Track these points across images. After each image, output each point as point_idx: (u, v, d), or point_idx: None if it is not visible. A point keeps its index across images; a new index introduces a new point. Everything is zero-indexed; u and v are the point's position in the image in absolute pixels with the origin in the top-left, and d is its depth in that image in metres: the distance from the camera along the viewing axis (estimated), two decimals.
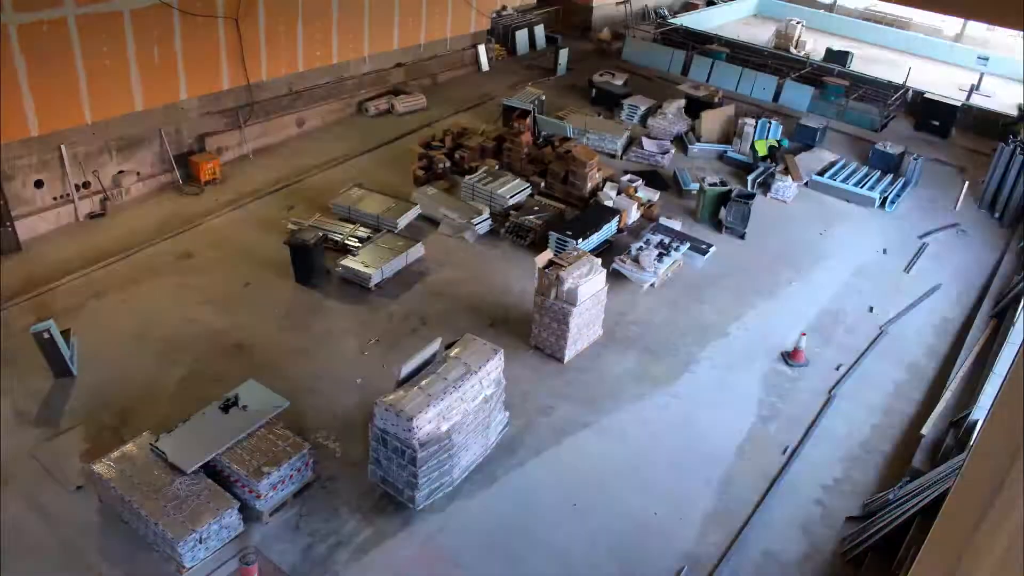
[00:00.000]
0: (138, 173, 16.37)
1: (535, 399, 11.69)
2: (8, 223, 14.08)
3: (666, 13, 31.68)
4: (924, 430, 11.08)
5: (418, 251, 14.51)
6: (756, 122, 20.83)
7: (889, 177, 19.85)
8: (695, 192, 17.30)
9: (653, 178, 18.35)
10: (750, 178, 18.36)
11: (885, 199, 18.76)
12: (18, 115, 14.25)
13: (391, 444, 9.32)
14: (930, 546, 4.81)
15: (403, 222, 15.16)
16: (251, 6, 17.53)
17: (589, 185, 16.43)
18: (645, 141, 19.93)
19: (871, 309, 14.47)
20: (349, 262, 13.77)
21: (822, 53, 30.50)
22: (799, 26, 30.38)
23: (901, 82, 24.94)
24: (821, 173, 19.70)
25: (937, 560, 4.50)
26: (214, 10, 16.87)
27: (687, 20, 31.54)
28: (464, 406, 9.61)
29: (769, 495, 10.36)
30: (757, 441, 11.29)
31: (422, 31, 22.77)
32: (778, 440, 11.33)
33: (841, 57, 28.34)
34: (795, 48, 29.82)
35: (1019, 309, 13.21)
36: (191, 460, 9.11)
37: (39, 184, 14.95)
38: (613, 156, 19.57)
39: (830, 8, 35.90)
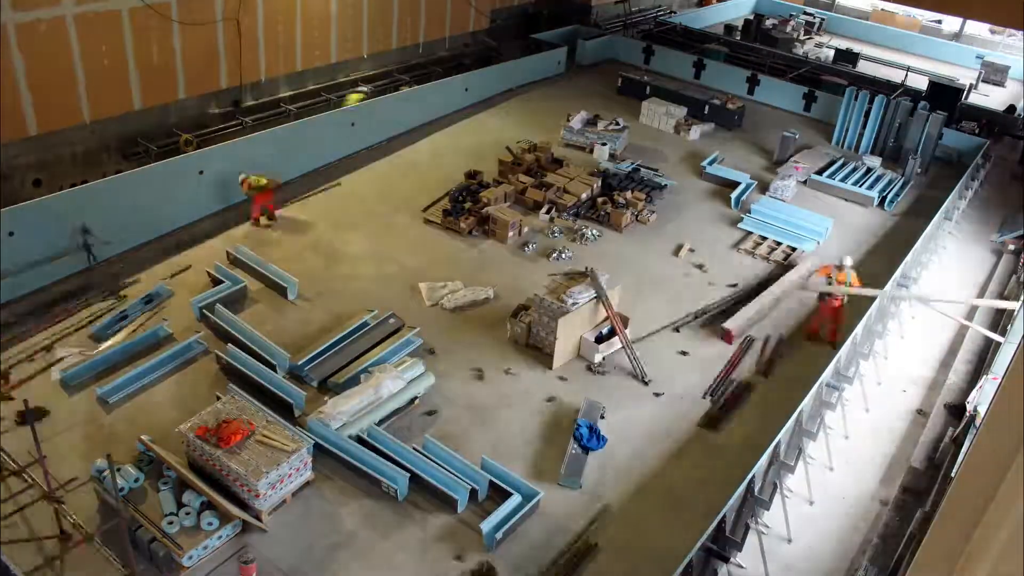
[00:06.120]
0: None
1: None
2: None
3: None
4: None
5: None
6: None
7: (889, 175, 19.90)
8: None
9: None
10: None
11: (884, 198, 18.79)
12: (17, 114, 14.24)
13: None
14: (929, 544, 4.80)
15: None
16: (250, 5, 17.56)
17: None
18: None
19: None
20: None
21: (820, 52, 30.60)
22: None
23: (900, 81, 25.02)
24: (820, 172, 19.73)
25: (936, 558, 4.49)
26: (213, 15, 16.90)
27: (686, 19, 31.60)
28: None
29: None
30: None
31: (421, 30, 22.81)
32: None
33: (851, 57, 28.46)
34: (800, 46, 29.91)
35: (1018, 307, 13.22)
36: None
37: (37, 183, 14.93)
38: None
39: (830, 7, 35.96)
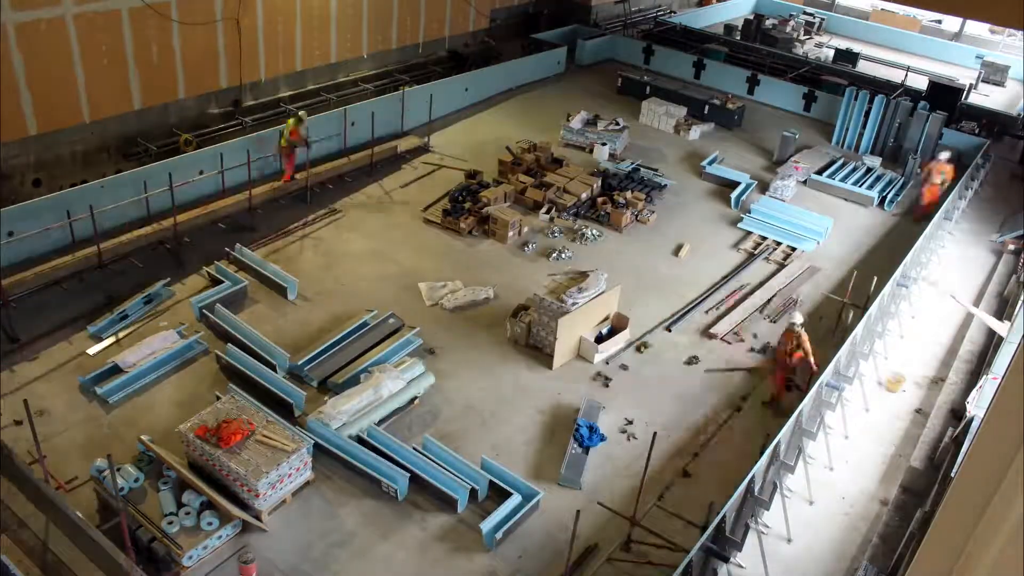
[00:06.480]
0: None
1: None
2: None
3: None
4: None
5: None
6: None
7: (889, 175, 19.91)
8: None
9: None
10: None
11: (884, 198, 18.79)
12: (16, 114, 14.24)
13: None
14: (928, 544, 4.81)
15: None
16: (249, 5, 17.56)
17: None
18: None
19: None
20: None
21: (820, 52, 30.60)
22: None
23: (900, 81, 25.03)
24: (820, 171, 19.73)
25: (935, 558, 4.50)
26: (213, 14, 16.91)
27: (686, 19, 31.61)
28: None
29: None
30: None
31: (421, 30, 22.81)
32: None
33: (851, 57, 28.49)
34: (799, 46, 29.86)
35: (1018, 307, 13.21)
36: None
37: (37, 183, 14.93)
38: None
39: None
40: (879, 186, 19.24)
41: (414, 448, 10.39)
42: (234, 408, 9.96)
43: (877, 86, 24.66)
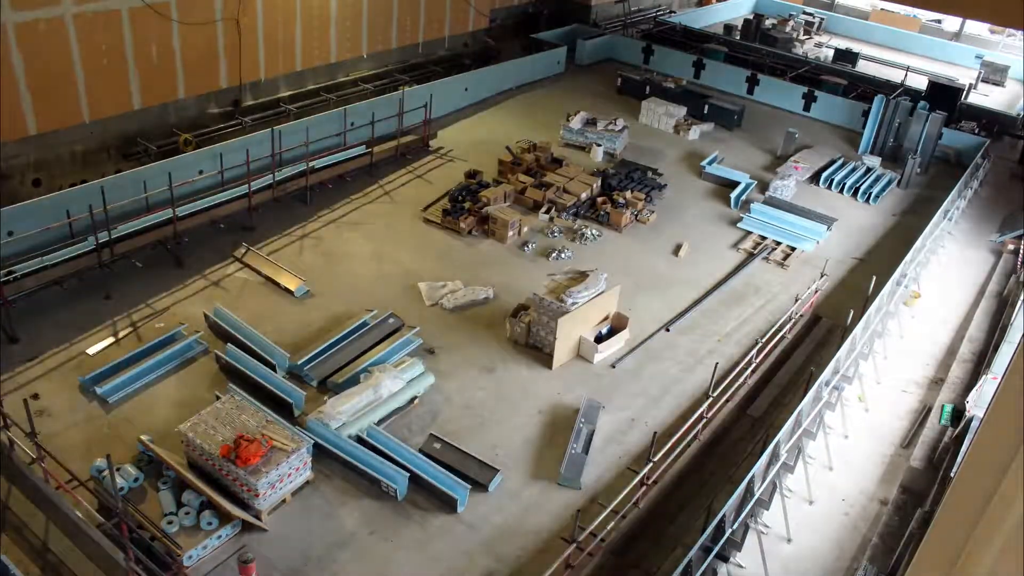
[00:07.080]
0: None
1: None
2: None
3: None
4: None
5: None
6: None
7: (888, 175, 19.92)
8: None
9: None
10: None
11: (869, 195, 18.88)
12: (17, 114, 14.24)
13: None
14: (928, 544, 4.80)
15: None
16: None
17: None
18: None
19: None
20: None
21: (820, 52, 30.58)
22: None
23: (899, 81, 25.03)
24: (820, 171, 19.75)
25: (935, 558, 4.49)
26: (213, 14, 16.91)
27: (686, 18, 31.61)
28: None
29: None
30: None
31: (420, 30, 22.80)
32: None
33: (850, 57, 28.51)
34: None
35: (1018, 307, 13.22)
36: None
37: (37, 183, 14.93)
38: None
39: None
40: (864, 184, 19.26)
41: (417, 449, 10.40)
42: (234, 408, 9.95)
43: (877, 86, 24.68)
